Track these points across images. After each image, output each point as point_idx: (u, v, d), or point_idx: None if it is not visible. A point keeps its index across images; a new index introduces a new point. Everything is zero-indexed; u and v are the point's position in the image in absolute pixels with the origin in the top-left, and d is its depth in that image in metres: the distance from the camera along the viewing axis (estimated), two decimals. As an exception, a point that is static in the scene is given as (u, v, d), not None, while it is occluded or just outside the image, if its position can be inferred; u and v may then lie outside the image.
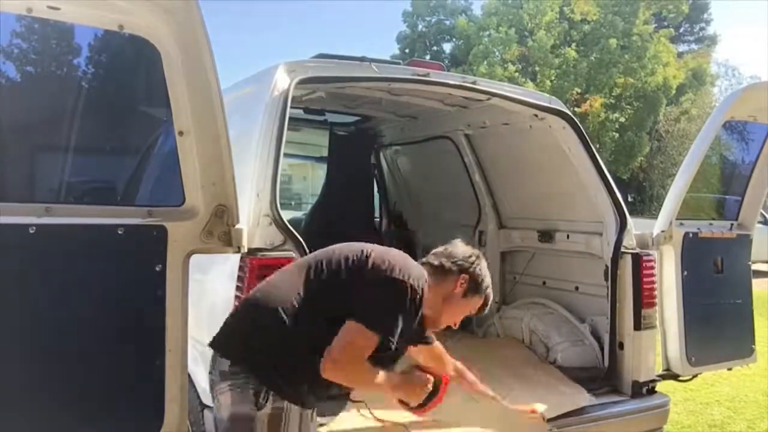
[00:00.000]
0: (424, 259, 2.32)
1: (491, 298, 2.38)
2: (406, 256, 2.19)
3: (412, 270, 2.10)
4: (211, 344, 2.14)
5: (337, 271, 2.10)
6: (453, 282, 2.27)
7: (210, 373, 2.15)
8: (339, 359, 1.96)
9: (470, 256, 2.31)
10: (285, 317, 2.02)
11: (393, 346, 2.02)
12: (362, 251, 2.12)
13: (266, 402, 1.99)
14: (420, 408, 2.26)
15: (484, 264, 2.34)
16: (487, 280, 2.33)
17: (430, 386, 2.20)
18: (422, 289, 2.08)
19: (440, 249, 2.36)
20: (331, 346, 1.96)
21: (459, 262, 2.28)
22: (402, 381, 2.17)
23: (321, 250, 2.24)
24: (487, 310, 2.42)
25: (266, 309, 2.07)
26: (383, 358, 2.06)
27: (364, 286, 2.05)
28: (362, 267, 2.08)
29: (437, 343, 2.55)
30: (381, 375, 2.07)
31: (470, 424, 2.80)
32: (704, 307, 3.62)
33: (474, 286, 2.29)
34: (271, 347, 2.04)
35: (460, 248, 2.34)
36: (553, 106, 3.59)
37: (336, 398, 2.91)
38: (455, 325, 2.35)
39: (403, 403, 2.25)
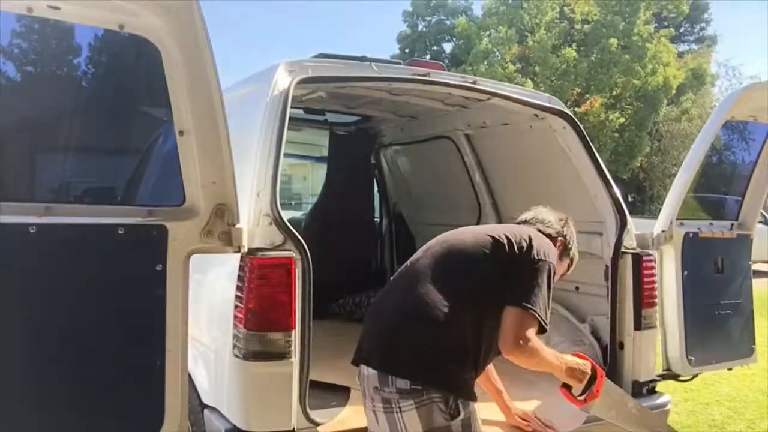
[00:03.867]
0: (521, 224, 2.46)
1: (577, 259, 2.54)
2: (531, 231, 2.33)
3: (550, 249, 2.27)
4: (377, 366, 2.08)
5: (482, 259, 2.20)
6: (553, 243, 2.39)
7: (380, 390, 2.06)
8: (518, 342, 2.07)
9: (561, 219, 2.49)
10: (443, 315, 2.07)
11: (546, 327, 2.15)
12: (497, 237, 2.23)
13: (458, 411, 2.03)
14: (581, 396, 2.36)
15: (572, 227, 2.51)
16: (575, 243, 2.51)
17: (589, 372, 2.34)
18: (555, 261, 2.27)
19: (529, 215, 2.51)
20: (504, 331, 2.09)
21: (555, 226, 2.45)
22: (574, 364, 2.32)
23: (449, 238, 2.34)
24: (571, 271, 2.58)
25: (422, 313, 2.10)
26: None
27: (517, 274, 2.17)
28: (507, 253, 2.20)
29: None
30: (556, 355, 2.25)
31: None
32: (704, 307, 3.61)
33: (566, 248, 2.46)
34: (442, 350, 2.07)
35: (550, 214, 2.51)
36: (553, 106, 3.59)
37: (336, 399, 2.94)
38: None
39: (566, 391, 2.38)
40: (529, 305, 2.10)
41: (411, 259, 2.33)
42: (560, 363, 2.27)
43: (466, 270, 2.20)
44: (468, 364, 2.14)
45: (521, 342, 2.07)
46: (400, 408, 2.00)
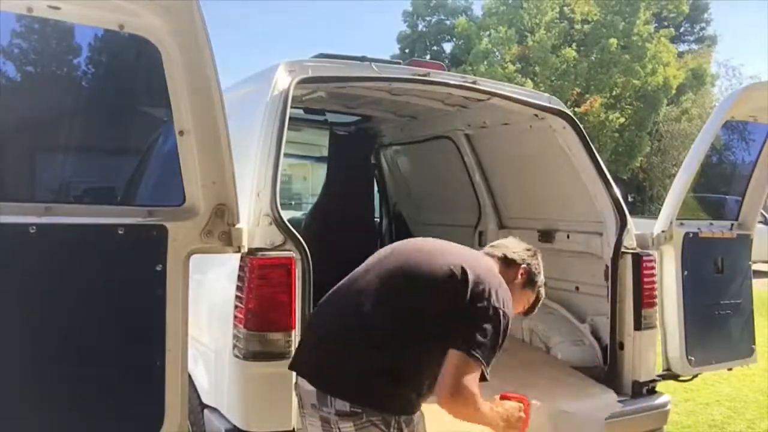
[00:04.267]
0: (486, 251, 2.37)
1: (543, 297, 2.41)
2: (490, 267, 2.21)
3: (506, 293, 2.12)
4: (316, 385, 2.04)
5: (434, 290, 2.07)
6: (515, 272, 2.32)
7: (318, 408, 2.02)
8: (455, 390, 1.95)
9: (528, 249, 2.40)
10: (386, 341, 2.01)
11: (487, 378, 2.03)
12: (454, 270, 2.08)
13: (400, 430, 2.01)
14: None
15: (539, 260, 2.41)
16: (541, 278, 2.39)
17: (523, 414, 2.23)
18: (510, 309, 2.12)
19: (496, 243, 2.43)
20: (443, 376, 1.97)
21: (520, 253, 2.36)
22: (508, 413, 2.19)
23: (404, 256, 2.21)
24: (535, 311, 2.44)
25: (365, 335, 2.04)
26: None
27: (469, 316, 2.02)
28: (461, 291, 2.05)
29: None
30: (491, 408, 2.10)
31: None
32: (704, 307, 3.62)
33: (530, 279, 2.34)
34: (382, 373, 1.99)
35: (516, 243, 2.43)
36: (553, 106, 3.59)
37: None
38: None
39: None
40: (475, 354, 1.96)
41: (360, 268, 2.24)
42: (495, 416, 2.11)
43: (416, 297, 2.08)
44: (409, 387, 2.06)
45: (459, 390, 1.95)
46: (339, 429, 1.98)
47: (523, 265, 2.32)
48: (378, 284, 2.12)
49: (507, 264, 2.32)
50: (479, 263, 2.19)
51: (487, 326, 2.01)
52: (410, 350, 2.03)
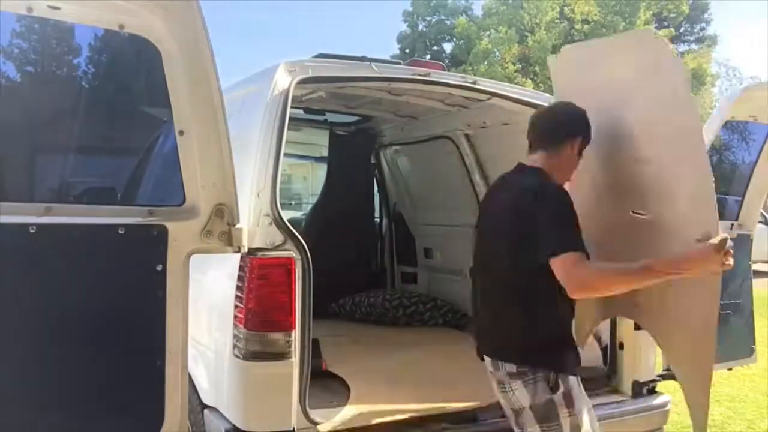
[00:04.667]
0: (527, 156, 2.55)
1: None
2: (535, 170, 2.45)
3: (541, 179, 2.38)
4: (490, 354, 2.46)
5: (512, 220, 2.34)
6: (568, 146, 2.50)
7: (494, 373, 2.43)
8: (577, 287, 2.19)
9: (561, 105, 2.65)
10: (514, 292, 2.35)
11: (588, 254, 2.23)
12: (513, 197, 2.39)
13: (558, 385, 2.29)
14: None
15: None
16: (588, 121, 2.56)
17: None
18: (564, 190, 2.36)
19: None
20: (564, 285, 2.18)
21: (557, 118, 2.58)
22: (649, 263, 2.18)
23: (488, 219, 2.58)
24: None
25: (498, 295, 2.43)
26: None
27: (538, 223, 2.24)
28: (529, 204, 2.29)
29: None
30: (615, 269, 2.26)
31: None
32: (704, 307, 3.61)
33: (582, 126, 2.54)
34: (537, 333, 2.34)
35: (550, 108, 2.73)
36: (553, 106, 3.58)
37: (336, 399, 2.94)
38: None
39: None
40: (561, 249, 2.17)
41: (476, 251, 2.61)
42: (633, 270, 2.19)
43: (504, 254, 2.37)
44: (561, 332, 2.40)
45: (578, 284, 2.18)
46: (511, 388, 2.35)
47: (568, 135, 2.49)
48: (485, 263, 2.54)
49: (552, 145, 2.50)
50: (524, 177, 2.46)
51: (550, 221, 2.23)
52: (540, 294, 2.30)
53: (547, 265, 2.19)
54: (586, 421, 2.32)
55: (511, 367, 2.34)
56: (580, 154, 2.52)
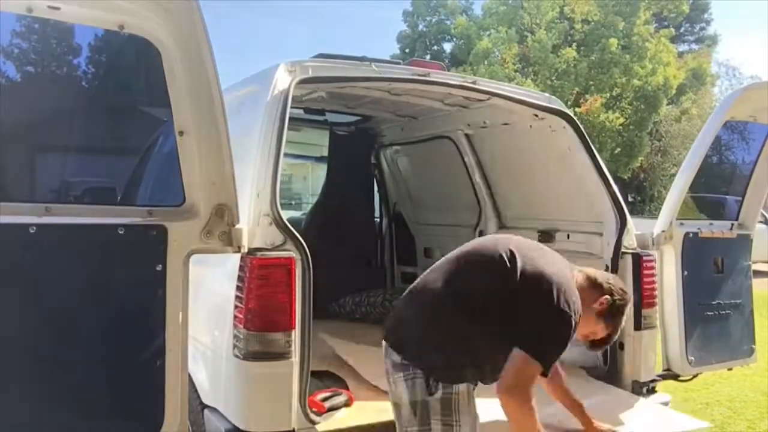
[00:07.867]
0: (578, 267, 2.42)
1: (613, 339, 2.44)
2: (564, 271, 2.29)
3: (576, 297, 2.22)
4: (390, 343, 2.36)
5: (505, 288, 2.24)
6: (596, 297, 2.35)
7: (384, 359, 2.37)
8: (514, 389, 2.13)
9: (622, 288, 2.42)
10: (453, 317, 2.24)
11: (547, 375, 2.22)
12: (527, 271, 2.22)
13: (437, 389, 2.21)
14: None
15: (628, 305, 2.43)
16: (622, 322, 2.40)
17: None
18: (579, 315, 2.22)
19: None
20: (506, 371, 2.14)
21: (611, 282, 2.39)
22: None
23: (478, 246, 2.43)
24: (600, 350, 2.55)
25: (438, 308, 2.29)
26: None
27: (534, 315, 2.18)
28: (532, 289, 2.19)
29: None
30: (537, 422, 2.18)
31: None
32: (704, 307, 3.61)
33: (609, 313, 2.36)
34: (441, 345, 2.25)
35: (615, 278, 2.50)
36: (553, 106, 3.59)
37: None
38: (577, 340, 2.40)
39: None
40: (539, 357, 2.13)
41: (437, 266, 2.43)
42: None
43: (486, 299, 2.26)
44: (465, 365, 2.25)
45: (517, 391, 2.13)
46: (394, 379, 2.31)
47: (606, 295, 2.35)
48: (446, 285, 2.34)
49: (591, 284, 2.36)
50: (557, 266, 2.30)
51: (554, 330, 2.15)
52: (477, 341, 2.22)
53: (508, 339, 2.15)
54: None
55: (396, 357, 2.29)
56: None
